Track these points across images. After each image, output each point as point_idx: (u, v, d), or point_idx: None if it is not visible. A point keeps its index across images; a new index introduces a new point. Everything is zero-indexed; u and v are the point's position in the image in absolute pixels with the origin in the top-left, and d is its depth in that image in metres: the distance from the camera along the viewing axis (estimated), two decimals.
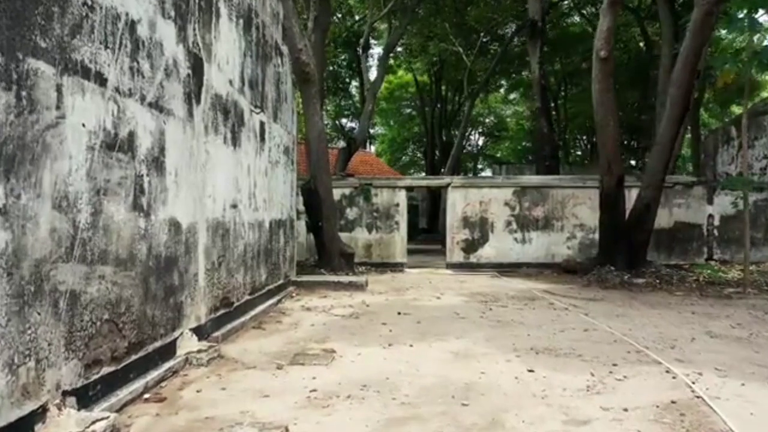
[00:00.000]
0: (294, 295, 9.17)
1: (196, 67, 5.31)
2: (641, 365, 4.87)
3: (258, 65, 7.51)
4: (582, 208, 13.34)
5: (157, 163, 4.46)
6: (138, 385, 4.02)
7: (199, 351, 4.95)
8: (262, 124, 7.70)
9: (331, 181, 12.48)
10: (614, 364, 4.88)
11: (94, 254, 3.55)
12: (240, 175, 6.69)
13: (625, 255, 10.74)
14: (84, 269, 3.44)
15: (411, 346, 5.61)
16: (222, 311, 6.05)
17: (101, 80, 3.63)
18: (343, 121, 36.88)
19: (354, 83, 33.72)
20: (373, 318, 7.16)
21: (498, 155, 42.22)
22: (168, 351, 4.67)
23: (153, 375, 4.25)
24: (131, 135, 4.04)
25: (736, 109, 33.51)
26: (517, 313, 7.52)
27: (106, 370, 3.70)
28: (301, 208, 12.51)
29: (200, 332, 5.35)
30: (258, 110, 7.43)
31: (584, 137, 36.47)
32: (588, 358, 5.11)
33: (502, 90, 35.45)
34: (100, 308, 3.63)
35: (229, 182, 6.31)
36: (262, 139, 7.74)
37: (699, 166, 21.38)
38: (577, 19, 27.26)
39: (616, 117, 10.52)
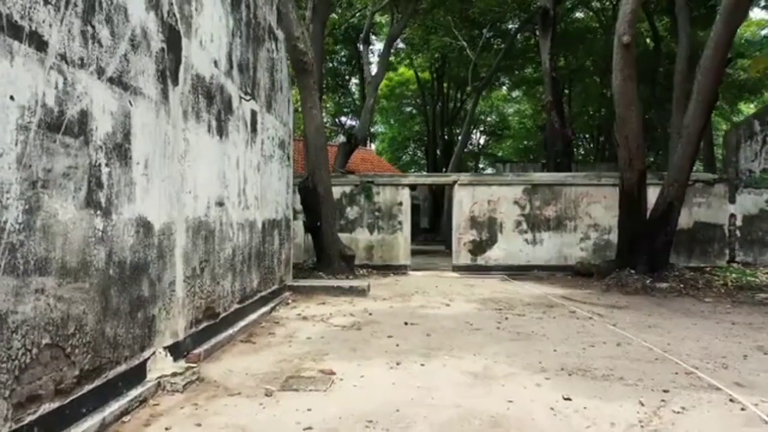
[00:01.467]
0: (290, 301, 8.42)
1: (172, 42, 4.56)
2: (697, 391, 4.11)
3: (249, 48, 6.76)
4: (596, 207, 12.58)
5: (120, 151, 3.71)
6: (93, 422, 3.26)
7: (174, 374, 4.20)
8: (253, 113, 6.95)
9: (331, 179, 11.73)
10: (665, 390, 4.12)
11: (28, 262, 2.80)
12: (227, 169, 5.94)
13: (647, 257, 9.97)
14: (12, 282, 2.69)
15: (422, 365, 4.86)
16: (205, 324, 5.29)
17: (39, 43, 2.88)
18: (343, 119, 36.17)
19: (354, 80, 32.99)
20: (376, 329, 6.41)
21: (499, 154, 41.43)
22: (135, 376, 3.92)
23: (113, 408, 3.50)
24: (84, 115, 3.28)
25: (744, 107, 32.85)
26: (536, 324, 6.77)
27: (48, 407, 2.95)
28: (299, 207, 11.77)
29: (177, 350, 4.60)
30: (248, 97, 6.68)
31: (587, 135, 35.76)
32: (631, 382, 4.36)
33: (504, 88, 34.70)
34: (37, 330, 2.87)
35: (214, 177, 5.56)
36: (254, 130, 6.98)
37: (711, 163, 20.66)
38: (580, 15, 26.51)
39: (638, 108, 9.75)
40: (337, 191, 12.37)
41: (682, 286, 9.55)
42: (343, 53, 30.43)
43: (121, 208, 3.73)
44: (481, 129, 40.44)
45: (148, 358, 4.14)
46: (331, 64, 30.29)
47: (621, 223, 10.53)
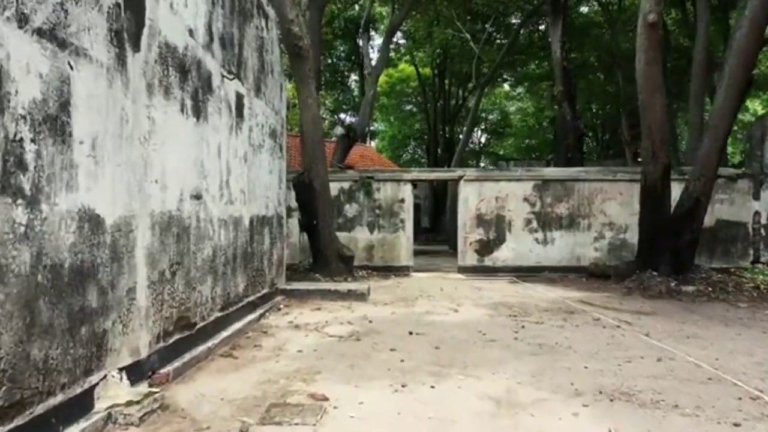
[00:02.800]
0: (282, 306, 7.64)
1: None
2: None
3: (233, 21, 5.98)
4: (611, 204, 11.80)
5: (54, 124, 2.93)
6: None
7: (129, 403, 3.41)
8: (239, 96, 6.17)
9: (328, 174, 10.95)
10: (735, 424, 3.34)
11: None
12: (206, 157, 5.15)
13: (670, 257, 9.18)
14: None
15: (432, 387, 4.08)
16: (177, 336, 4.51)
17: None
18: (342, 115, 35.41)
19: (353, 76, 32.24)
20: (377, 340, 5.63)
21: (501, 153, 40.65)
22: (77, 408, 3.13)
23: None
24: None
25: (751, 105, 32.09)
26: (558, 333, 5.99)
27: None
28: (293, 204, 11.00)
29: (139, 371, 3.81)
30: (232, 77, 5.89)
31: (590, 133, 35.03)
32: (689, 411, 3.57)
33: (506, 85, 33.95)
34: None
35: (189, 165, 4.77)
36: (240, 115, 6.20)
37: (724, 158, 19.89)
38: (585, 9, 25.74)
39: (663, 95, 8.96)
40: (334, 187, 11.60)
41: (710, 289, 8.76)
42: (342, 48, 29.69)
43: (56, 197, 2.94)
44: (482, 127, 39.68)
45: (97, 383, 3.35)
46: (329, 60, 29.55)
47: (642, 220, 9.74)
